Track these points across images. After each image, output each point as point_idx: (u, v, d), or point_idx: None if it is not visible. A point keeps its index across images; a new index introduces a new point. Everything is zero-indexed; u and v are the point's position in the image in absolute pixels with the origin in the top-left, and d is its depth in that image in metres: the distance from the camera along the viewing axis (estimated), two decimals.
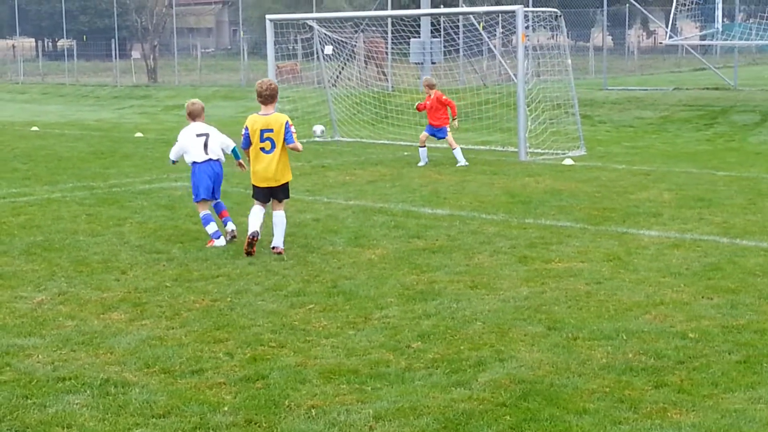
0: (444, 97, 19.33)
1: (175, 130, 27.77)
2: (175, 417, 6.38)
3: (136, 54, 53.49)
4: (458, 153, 19.02)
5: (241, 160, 12.11)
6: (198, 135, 11.85)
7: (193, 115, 11.98)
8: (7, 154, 21.89)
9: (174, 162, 12.43)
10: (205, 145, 11.81)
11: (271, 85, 11.13)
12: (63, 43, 64.74)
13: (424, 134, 19.33)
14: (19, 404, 6.61)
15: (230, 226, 11.83)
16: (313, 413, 6.40)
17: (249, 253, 10.91)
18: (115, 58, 49.88)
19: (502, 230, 12.22)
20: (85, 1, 62.73)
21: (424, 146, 19.34)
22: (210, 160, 11.82)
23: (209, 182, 11.83)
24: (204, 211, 11.87)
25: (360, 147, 22.48)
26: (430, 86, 19.49)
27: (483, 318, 8.43)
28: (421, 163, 19.06)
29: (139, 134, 26.49)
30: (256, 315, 8.65)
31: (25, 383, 6.99)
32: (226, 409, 6.50)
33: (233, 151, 12.08)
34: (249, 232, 10.97)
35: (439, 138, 19.33)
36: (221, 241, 11.62)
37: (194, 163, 11.85)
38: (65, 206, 14.56)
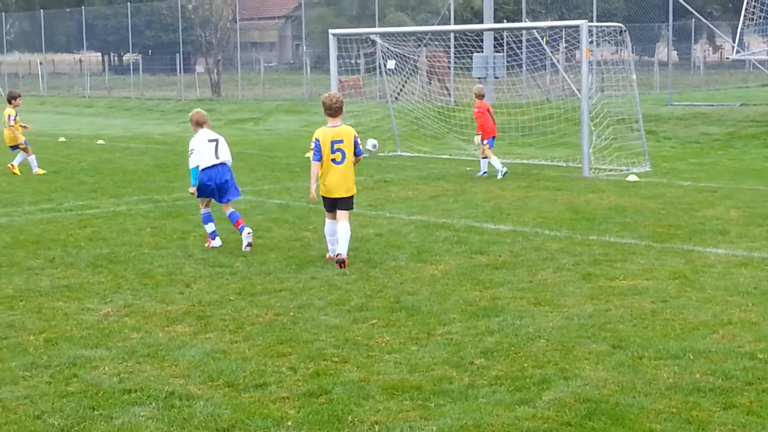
0: (476, 110, 19.56)
1: (239, 144, 28.11)
2: (239, 431, 6.41)
3: (200, 68, 54.06)
4: (485, 163, 19.65)
5: None
6: (209, 140, 12.38)
7: (201, 123, 12.47)
8: (74, 167, 22.21)
9: (195, 182, 12.44)
10: (216, 150, 12.32)
11: (339, 98, 11.49)
12: (128, 57, 65.64)
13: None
14: (86, 415, 6.68)
15: (246, 237, 12.30)
16: (377, 429, 6.39)
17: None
18: (180, 72, 50.42)
19: (566, 247, 12.13)
20: (150, 16, 63.38)
21: (490, 157, 19.56)
22: (220, 163, 12.32)
23: (214, 184, 12.31)
24: (205, 209, 12.51)
25: (422, 162, 22.48)
26: (478, 96, 19.70)
27: (547, 335, 8.36)
28: (498, 175, 19.30)
29: None
30: (318, 330, 8.67)
31: (92, 394, 7.06)
32: (289, 423, 6.51)
33: None
34: (332, 253, 11.47)
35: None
36: (217, 242, 12.38)
37: (205, 168, 12.28)
38: (130, 219, 14.73)
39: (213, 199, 12.52)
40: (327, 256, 11.58)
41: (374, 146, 23.64)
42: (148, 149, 27.02)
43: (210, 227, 12.49)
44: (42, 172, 20.90)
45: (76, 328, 8.84)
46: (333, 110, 11.33)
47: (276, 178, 19.75)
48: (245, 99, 45.04)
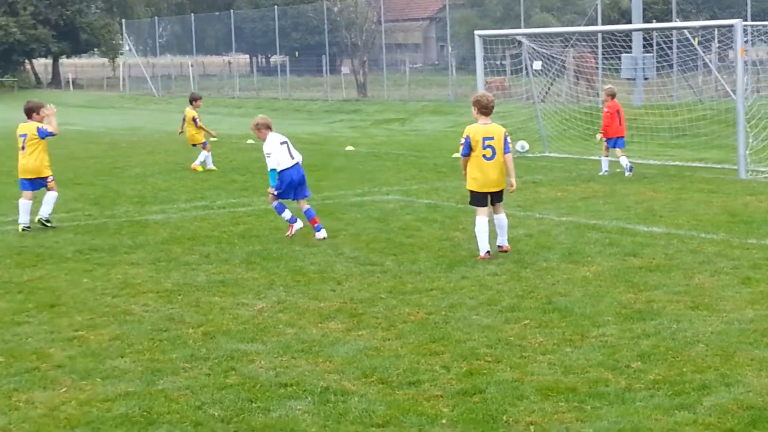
0: (605, 110, 19.83)
1: (386, 144, 28.28)
2: (394, 427, 6.43)
3: (345, 69, 54.52)
4: (605, 162, 19.78)
5: None
6: (281, 143, 13.11)
7: (270, 126, 13.24)
8: (226, 166, 22.69)
9: (274, 183, 13.11)
10: (289, 151, 13.08)
11: (493, 98, 11.87)
12: (276, 59, 66.81)
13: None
14: (245, 407, 6.81)
15: (322, 233, 13.03)
16: (532, 430, 6.33)
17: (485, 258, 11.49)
18: (326, 73, 51.02)
19: (723, 250, 11.78)
20: (297, 19, 64.37)
21: (603, 156, 19.95)
22: (296, 164, 13.12)
23: (296, 184, 13.08)
24: (275, 201, 13.12)
25: (571, 163, 22.19)
26: (609, 95, 19.66)
27: (706, 340, 8.14)
28: (600, 172, 19.67)
29: (350, 148, 26.97)
30: (471, 329, 8.64)
31: (249, 387, 7.19)
32: (444, 422, 6.51)
33: None
34: (482, 252, 11.49)
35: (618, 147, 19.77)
36: (299, 224, 13.07)
37: (283, 169, 13.00)
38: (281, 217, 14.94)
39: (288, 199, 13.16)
40: (478, 256, 11.54)
41: (522, 147, 23.50)
42: (297, 148, 27.29)
43: (287, 214, 13.10)
44: (200, 169, 21.58)
45: (233, 322, 9.02)
46: (488, 109, 11.65)
47: (424, 178, 19.78)
48: (391, 99, 45.31)
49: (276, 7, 58.80)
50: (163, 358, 7.94)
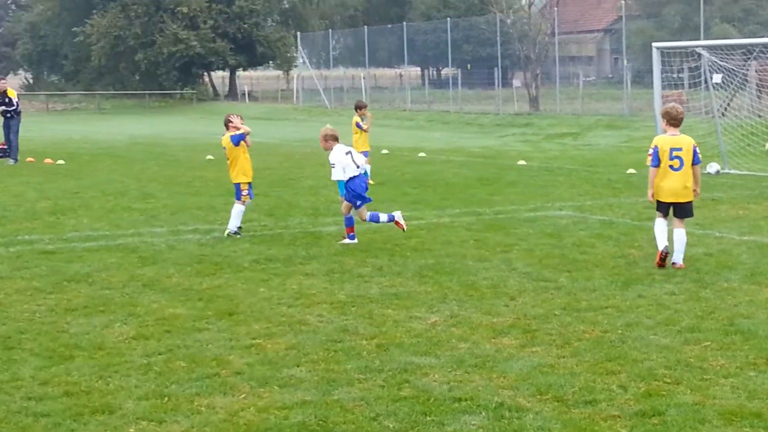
0: None
1: (558, 159, 28.03)
2: None
3: (517, 82, 54.27)
4: None
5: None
6: (346, 153, 13.83)
7: (337, 137, 14.00)
8: (398, 179, 22.83)
9: (342, 192, 14.05)
10: (354, 160, 13.75)
11: (683, 110, 12.04)
12: (447, 71, 66.99)
13: None
14: (419, 420, 6.82)
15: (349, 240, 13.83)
16: None
17: (661, 266, 11.58)
18: (498, 86, 50.87)
19: None
20: (469, 31, 64.36)
21: None
22: (361, 173, 13.76)
23: (365, 191, 13.79)
24: (369, 213, 13.90)
25: (753, 180, 21.45)
26: None
27: None
28: None
29: (522, 162, 26.79)
30: (648, 349, 8.44)
31: (423, 400, 7.20)
32: None
33: None
34: (660, 248, 11.67)
35: None
36: (398, 213, 14.01)
37: (351, 178, 13.70)
38: (453, 231, 14.95)
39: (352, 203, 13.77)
40: (656, 260, 11.70)
41: (713, 168, 22.83)
42: (468, 162, 27.39)
43: (384, 216, 13.92)
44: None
45: (406, 335, 9.05)
46: (677, 120, 11.86)
47: (597, 193, 19.47)
48: (563, 113, 44.84)
49: (448, 19, 59.09)
50: (337, 369, 8.03)
